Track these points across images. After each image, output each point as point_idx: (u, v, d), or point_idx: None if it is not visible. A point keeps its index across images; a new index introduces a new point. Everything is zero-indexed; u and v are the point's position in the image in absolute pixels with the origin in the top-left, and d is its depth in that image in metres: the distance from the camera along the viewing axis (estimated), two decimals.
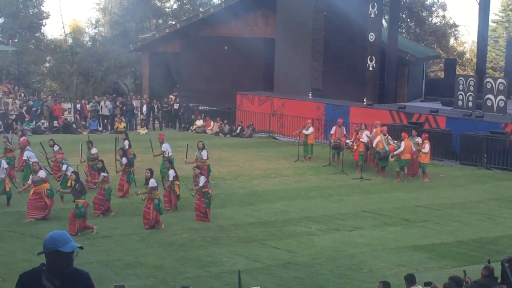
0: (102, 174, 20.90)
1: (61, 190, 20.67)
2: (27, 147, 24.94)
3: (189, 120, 38.57)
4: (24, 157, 24.07)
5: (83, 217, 18.56)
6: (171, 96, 40.86)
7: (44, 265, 5.78)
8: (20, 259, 16.42)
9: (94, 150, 23.90)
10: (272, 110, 36.35)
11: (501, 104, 30.67)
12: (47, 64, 50.77)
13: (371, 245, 17.88)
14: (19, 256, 16.71)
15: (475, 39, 36.29)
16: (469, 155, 28.68)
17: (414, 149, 25.77)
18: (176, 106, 39.75)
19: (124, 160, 22.85)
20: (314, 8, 35.09)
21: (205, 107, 39.76)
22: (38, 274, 5.77)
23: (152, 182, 19.41)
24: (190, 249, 17.48)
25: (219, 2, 47.89)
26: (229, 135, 36.14)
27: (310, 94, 35.61)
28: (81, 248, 5.66)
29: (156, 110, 40.32)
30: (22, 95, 41.52)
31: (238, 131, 36.42)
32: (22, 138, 26.44)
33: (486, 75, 33.86)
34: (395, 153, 25.74)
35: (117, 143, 24.76)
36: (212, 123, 37.95)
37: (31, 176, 20.42)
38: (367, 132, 27.31)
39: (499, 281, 12.80)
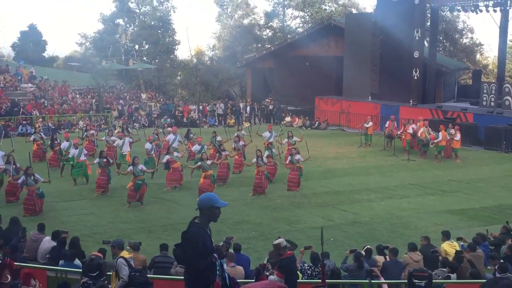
0: (224, 153, 20.99)
1: (188, 165, 20.59)
2: (169, 134, 24.53)
3: (280, 117, 38.82)
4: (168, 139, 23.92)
5: (214, 183, 18.84)
6: (267, 99, 41.02)
7: (197, 219, 5.99)
8: (161, 217, 16.96)
9: (218, 138, 23.79)
10: (341, 109, 36.20)
11: None
12: (178, 78, 51.50)
13: (415, 209, 17.67)
14: (160, 215, 17.17)
15: (496, 54, 35.15)
16: (491, 142, 27.94)
17: (448, 137, 25.45)
18: (270, 107, 39.83)
19: (241, 143, 22.92)
20: (373, 34, 34.78)
21: (291, 107, 39.86)
22: (200, 224, 5.97)
23: (264, 159, 19.71)
24: (281, 211, 17.57)
25: (302, 30, 47.86)
26: (309, 128, 36.14)
27: (369, 97, 35.37)
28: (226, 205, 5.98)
29: (256, 110, 40.58)
30: (161, 100, 42.74)
31: (316, 125, 36.42)
32: (171, 127, 26.64)
33: (505, 82, 32.88)
34: (434, 141, 25.50)
35: (226, 134, 24.99)
36: (297, 119, 37.97)
37: (166, 156, 20.40)
38: (413, 125, 26.97)
39: None
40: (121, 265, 9.59)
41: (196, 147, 22.25)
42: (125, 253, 10.20)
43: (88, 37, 53.73)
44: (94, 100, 38.84)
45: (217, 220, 6.00)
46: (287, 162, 20.50)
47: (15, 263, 10.15)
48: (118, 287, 9.50)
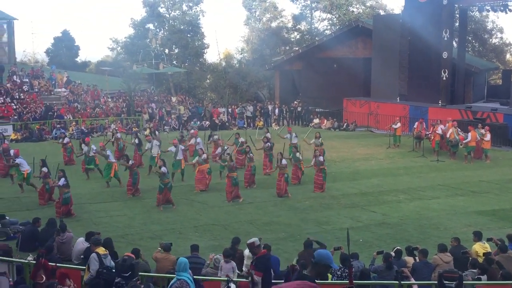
0: (249, 155, 21.01)
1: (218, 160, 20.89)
2: (194, 136, 24.68)
3: (308, 119, 38.78)
4: (192, 143, 24.14)
5: (236, 185, 18.71)
6: (295, 101, 40.98)
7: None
8: (191, 218, 16.99)
9: (242, 139, 23.84)
10: (369, 111, 36.04)
11: None
12: (207, 81, 51.60)
13: (445, 210, 17.52)
14: (190, 216, 17.23)
15: None
16: None
17: (478, 138, 25.16)
18: (299, 109, 39.74)
19: (268, 144, 22.73)
20: (401, 35, 34.56)
21: (320, 109, 39.76)
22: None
23: (284, 162, 19.39)
24: (310, 212, 17.54)
25: (330, 32, 47.71)
26: (338, 129, 36.04)
27: (398, 98, 35.11)
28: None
29: (284, 112, 40.52)
30: (191, 103, 42.98)
31: (344, 126, 36.28)
32: (192, 131, 26.68)
33: None
34: (464, 142, 25.23)
35: (257, 135, 25.10)
36: (325, 121, 37.90)
37: (197, 158, 20.52)
38: (441, 126, 26.80)
39: None
40: (92, 260, 10.18)
41: (219, 150, 22.29)
42: (101, 249, 10.59)
43: (119, 42, 54.37)
44: (125, 104, 39.25)
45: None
46: (313, 163, 20.34)
47: (50, 263, 10.35)
48: (87, 280, 10.07)
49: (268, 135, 24.26)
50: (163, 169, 17.95)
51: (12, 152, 21.29)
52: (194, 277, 10.09)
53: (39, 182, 18.96)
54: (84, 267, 11.08)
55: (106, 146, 22.47)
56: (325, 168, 20.16)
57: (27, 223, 14.81)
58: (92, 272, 9.98)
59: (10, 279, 10.24)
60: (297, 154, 21.18)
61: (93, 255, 10.29)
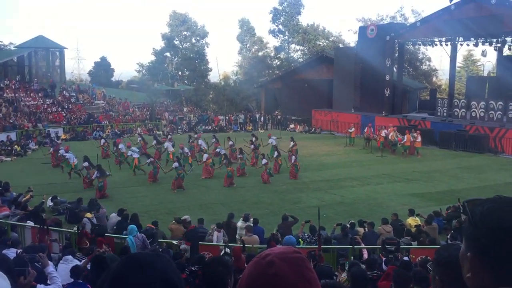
0: (239, 156, 20.87)
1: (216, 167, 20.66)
2: (198, 138, 24.70)
3: (286, 124, 38.77)
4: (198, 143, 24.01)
5: (231, 177, 18.74)
6: (276, 111, 40.99)
7: None
8: (197, 198, 16.87)
9: (230, 143, 23.69)
10: (331, 118, 36.05)
11: (463, 114, 29.50)
12: (210, 96, 51.64)
13: (387, 193, 17.55)
14: (196, 197, 17.11)
15: (448, 77, 34.86)
16: (444, 143, 27.63)
17: (412, 139, 25.20)
18: (279, 117, 39.81)
19: (253, 146, 22.76)
20: (355, 62, 34.57)
21: (294, 117, 39.77)
22: None
23: (264, 161, 19.47)
24: (287, 194, 17.51)
25: (302, 60, 47.70)
26: (307, 133, 36.09)
27: (352, 109, 35.17)
28: None
29: (268, 119, 40.68)
30: (198, 112, 42.84)
31: (313, 130, 36.29)
32: (197, 134, 26.94)
33: (454, 98, 32.58)
34: (401, 142, 25.31)
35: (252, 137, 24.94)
36: (298, 126, 37.97)
37: (205, 155, 20.42)
38: (385, 130, 26.82)
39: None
40: (86, 222, 11.13)
41: (221, 150, 22.05)
42: (88, 215, 11.33)
43: (144, 65, 53.99)
44: (148, 113, 39.09)
45: None
46: (293, 161, 20.21)
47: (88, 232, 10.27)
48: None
49: (253, 138, 24.20)
50: (175, 164, 18.10)
51: (63, 150, 21.15)
52: (200, 242, 10.07)
53: (83, 172, 18.89)
54: (119, 235, 11.04)
55: (132, 145, 22.49)
56: (297, 163, 20.13)
57: (73, 202, 14.73)
58: (88, 231, 10.41)
59: (60, 244, 10.19)
60: (275, 152, 21.38)
61: (85, 219, 11.18)
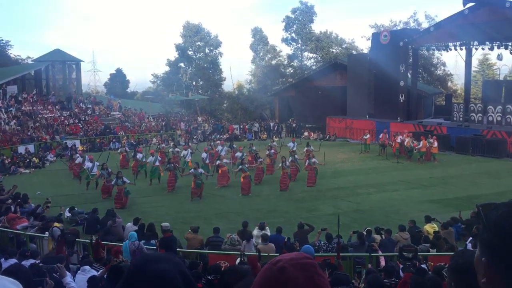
0: (259, 159, 21.00)
1: (233, 170, 20.58)
2: (220, 145, 24.71)
3: (300, 132, 38.77)
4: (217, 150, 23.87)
5: (250, 182, 18.69)
6: (290, 119, 41.02)
7: None
8: (213, 207, 16.98)
9: (254, 148, 23.77)
10: (346, 125, 35.98)
11: (479, 119, 29.16)
12: (224, 105, 51.90)
13: (404, 200, 17.42)
14: (212, 206, 17.18)
15: (463, 82, 34.49)
16: (461, 148, 27.35)
17: (428, 145, 24.99)
18: (293, 125, 39.86)
19: (272, 151, 22.80)
20: (368, 69, 34.52)
21: (309, 124, 39.76)
22: None
23: (287, 163, 19.49)
24: (303, 202, 17.48)
25: (315, 68, 47.70)
26: (322, 140, 35.98)
27: (367, 116, 35.03)
28: None
29: (282, 127, 40.73)
30: (212, 121, 43.03)
31: (327, 137, 36.22)
32: (218, 141, 27.06)
33: (470, 103, 32.22)
34: (417, 147, 25.14)
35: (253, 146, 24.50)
36: (312, 133, 37.92)
37: (218, 161, 20.44)
38: (400, 136, 26.68)
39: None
40: (55, 230, 10.95)
41: (238, 154, 22.15)
42: (56, 224, 11.32)
43: (158, 76, 54.48)
44: (164, 123, 39.40)
45: None
46: (306, 165, 20.34)
47: (107, 243, 10.34)
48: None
49: (274, 144, 24.20)
50: (201, 170, 18.33)
51: (82, 159, 21.41)
52: (215, 251, 10.04)
53: (100, 181, 19.07)
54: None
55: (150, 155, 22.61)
56: (317, 167, 20.03)
57: (90, 212, 14.87)
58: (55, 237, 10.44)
59: (80, 254, 10.27)
60: (296, 156, 21.25)
61: (55, 228, 11.00)
